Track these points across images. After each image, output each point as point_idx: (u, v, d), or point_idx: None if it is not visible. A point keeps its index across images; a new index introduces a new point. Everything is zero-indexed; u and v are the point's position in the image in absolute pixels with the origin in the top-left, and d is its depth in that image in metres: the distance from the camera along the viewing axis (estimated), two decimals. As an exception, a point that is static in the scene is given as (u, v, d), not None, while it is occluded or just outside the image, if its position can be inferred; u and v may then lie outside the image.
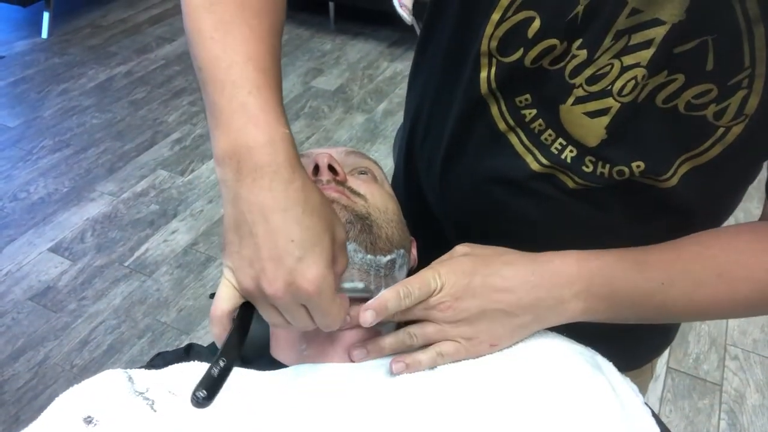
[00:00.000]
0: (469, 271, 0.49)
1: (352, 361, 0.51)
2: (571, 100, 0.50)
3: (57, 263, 1.88)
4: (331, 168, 0.58)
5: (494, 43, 0.50)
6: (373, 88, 2.80)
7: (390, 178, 0.77)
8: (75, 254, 1.91)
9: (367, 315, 0.47)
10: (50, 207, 2.09)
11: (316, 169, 0.58)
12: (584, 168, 0.52)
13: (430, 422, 0.45)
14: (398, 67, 2.95)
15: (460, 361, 0.50)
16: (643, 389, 0.80)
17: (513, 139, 0.55)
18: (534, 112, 0.53)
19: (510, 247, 0.54)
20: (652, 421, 0.48)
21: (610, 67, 0.47)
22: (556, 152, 0.53)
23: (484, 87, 0.53)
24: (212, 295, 0.48)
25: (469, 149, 0.58)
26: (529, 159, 0.55)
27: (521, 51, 0.49)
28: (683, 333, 1.72)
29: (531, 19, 0.48)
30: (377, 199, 0.58)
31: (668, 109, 0.47)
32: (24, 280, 1.82)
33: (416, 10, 2.89)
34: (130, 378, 0.48)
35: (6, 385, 1.53)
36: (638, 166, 0.50)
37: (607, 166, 0.51)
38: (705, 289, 0.49)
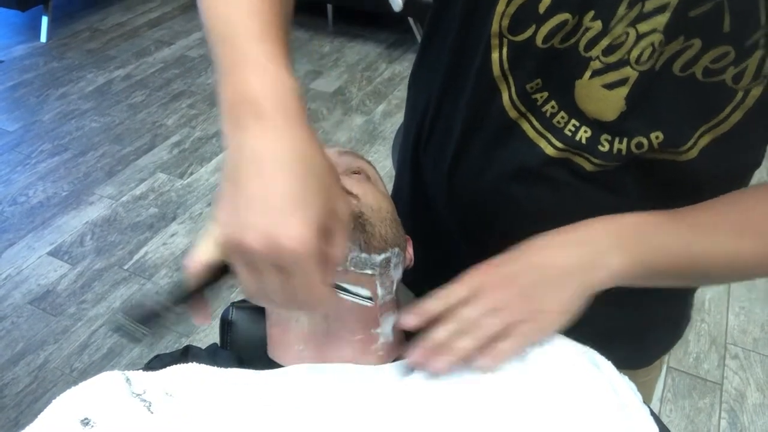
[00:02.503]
0: (502, 261, 0.50)
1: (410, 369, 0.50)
2: (588, 74, 0.49)
3: (56, 267, 1.88)
4: None
5: (506, 22, 0.50)
6: (372, 89, 2.80)
7: (388, 180, 0.78)
8: (74, 258, 1.91)
9: (410, 318, 0.48)
10: (49, 211, 2.09)
11: None
12: (600, 147, 0.52)
13: (430, 422, 0.45)
14: (397, 69, 2.95)
15: (540, 338, 0.50)
16: (651, 387, 0.80)
17: (525, 125, 0.54)
18: (546, 95, 0.52)
19: (517, 242, 0.53)
20: (651, 420, 0.48)
21: (625, 36, 0.46)
22: (570, 134, 0.52)
23: (496, 69, 0.52)
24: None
25: (480, 142, 0.57)
26: (543, 144, 0.54)
27: (533, 28, 0.49)
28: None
29: None
30: (370, 198, 0.58)
31: (686, 77, 0.47)
32: (23, 284, 1.82)
33: (411, 10, 2.90)
34: (127, 379, 0.47)
35: (6, 389, 1.53)
36: (657, 137, 0.50)
37: (625, 140, 0.51)
38: (742, 242, 0.49)
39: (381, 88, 2.81)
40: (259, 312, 0.60)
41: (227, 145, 0.41)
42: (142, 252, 1.94)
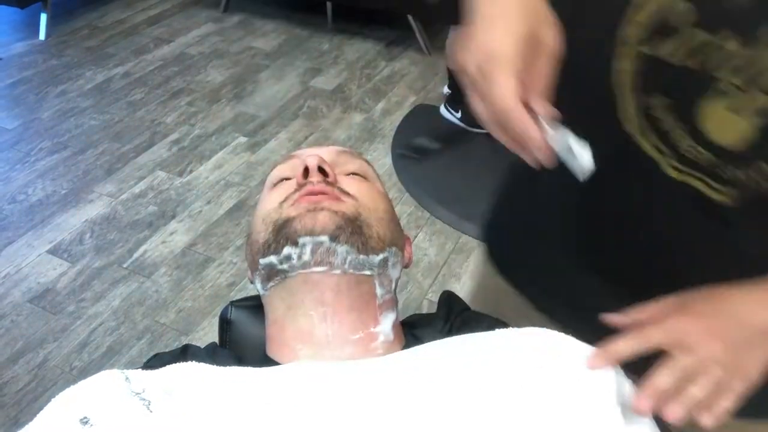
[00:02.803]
0: (701, 311, 0.48)
1: None
2: (713, 93, 0.45)
3: (56, 265, 1.88)
4: (321, 170, 0.59)
5: (638, 32, 0.47)
6: (371, 87, 2.80)
7: (387, 177, 0.77)
8: (74, 256, 1.91)
9: (596, 362, 0.48)
10: (49, 209, 2.09)
11: (306, 171, 0.59)
12: (719, 172, 0.48)
13: (427, 421, 0.45)
14: (396, 67, 2.95)
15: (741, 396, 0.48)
16: None
17: (642, 141, 0.51)
18: (667, 112, 0.48)
19: (629, 267, 0.54)
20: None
21: (761, 58, 0.42)
22: (687, 154, 0.49)
23: (617, 79, 0.50)
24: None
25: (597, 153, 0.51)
26: (661, 162, 0.50)
27: (668, 44, 0.46)
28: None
29: (682, 9, 0.44)
30: (367, 199, 0.58)
31: None
32: (23, 282, 1.82)
33: (411, 7, 2.90)
34: (126, 378, 0.47)
35: (5, 388, 1.53)
36: None
37: (745, 169, 0.46)
38: None
39: (380, 85, 2.80)
40: (259, 311, 0.60)
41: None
42: (141, 250, 1.94)
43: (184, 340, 1.65)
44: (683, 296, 0.50)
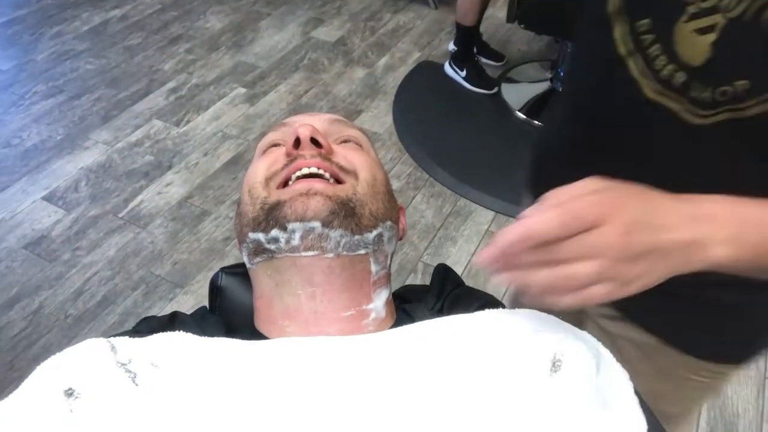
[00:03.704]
0: (632, 206, 0.44)
1: None
2: (684, 17, 0.51)
3: (51, 212, 1.87)
4: (314, 141, 0.55)
5: None
6: (375, 41, 2.73)
7: (388, 136, 0.76)
8: (69, 204, 1.90)
9: (500, 239, 0.41)
10: (44, 154, 2.06)
11: (297, 141, 0.55)
12: (692, 92, 0.54)
13: (423, 392, 0.45)
14: (401, 20, 2.87)
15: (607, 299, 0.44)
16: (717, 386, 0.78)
17: (631, 64, 0.57)
18: (651, 37, 0.55)
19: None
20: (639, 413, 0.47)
21: None
22: (666, 77, 0.55)
23: (612, 5, 0.56)
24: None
25: (595, 74, 0.62)
26: (644, 85, 0.56)
27: None
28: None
29: None
30: (366, 172, 0.56)
31: None
32: (18, 228, 1.82)
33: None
34: (113, 347, 0.47)
35: (1, 333, 1.55)
36: (743, 84, 0.50)
37: (710, 88, 0.52)
38: None
39: (384, 39, 2.73)
40: (249, 279, 0.59)
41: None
42: (137, 200, 1.93)
43: (179, 293, 1.66)
44: (613, 184, 0.46)
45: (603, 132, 0.64)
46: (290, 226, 0.52)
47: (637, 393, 0.50)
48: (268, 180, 0.56)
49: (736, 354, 0.72)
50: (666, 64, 0.54)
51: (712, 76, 0.52)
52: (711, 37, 0.50)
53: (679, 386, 0.76)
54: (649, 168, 0.52)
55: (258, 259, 0.55)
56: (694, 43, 0.52)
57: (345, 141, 0.60)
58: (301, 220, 0.51)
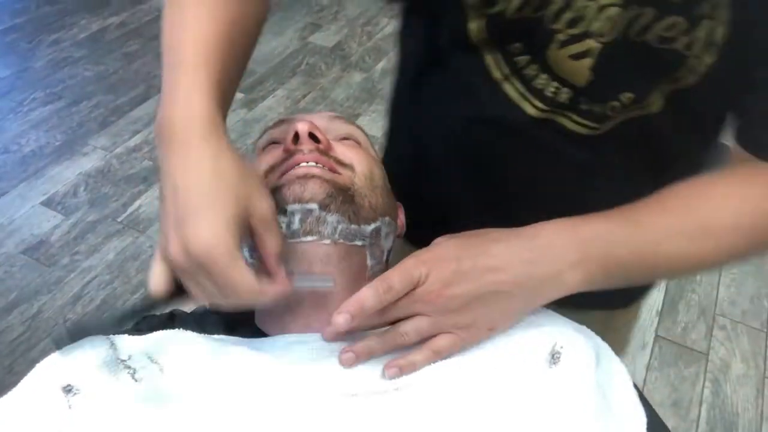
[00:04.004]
0: (455, 255, 0.45)
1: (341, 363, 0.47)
2: (555, 44, 0.51)
3: (49, 217, 1.87)
4: (312, 136, 0.56)
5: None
6: (372, 45, 2.74)
7: (385, 140, 0.76)
8: (68, 209, 1.90)
9: (340, 319, 0.44)
10: (42, 160, 2.07)
11: (296, 136, 0.55)
12: (581, 106, 0.54)
13: (405, 386, 0.45)
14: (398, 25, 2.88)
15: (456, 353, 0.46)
16: (629, 332, 0.84)
17: (508, 87, 0.55)
18: (527, 58, 0.53)
19: (509, 198, 0.56)
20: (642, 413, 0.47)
21: (586, 9, 0.48)
22: (552, 95, 0.54)
23: (476, 36, 0.54)
24: None
25: (468, 102, 0.59)
26: (526, 106, 0.55)
27: (504, 1, 0.50)
28: (673, 302, 1.73)
29: None
30: (364, 167, 0.57)
31: (641, 42, 0.48)
32: (16, 233, 1.82)
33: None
34: (112, 344, 0.47)
35: (0, 337, 1.54)
36: (628, 97, 0.52)
37: (598, 104, 0.53)
38: (694, 243, 0.49)
39: (381, 44, 2.75)
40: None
41: (160, 168, 0.45)
42: (135, 205, 1.93)
43: (178, 297, 1.66)
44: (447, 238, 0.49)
45: (484, 155, 0.62)
46: (289, 209, 0.52)
47: (635, 386, 0.50)
48: (267, 173, 0.57)
49: (619, 300, 0.75)
50: (547, 82, 0.53)
51: (598, 94, 0.52)
52: (588, 61, 0.50)
53: None
54: (539, 189, 0.58)
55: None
56: (573, 67, 0.51)
57: (344, 138, 0.60)
58: (299, 201, 0.52)
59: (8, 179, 1.99)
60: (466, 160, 0.64)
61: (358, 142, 0.61)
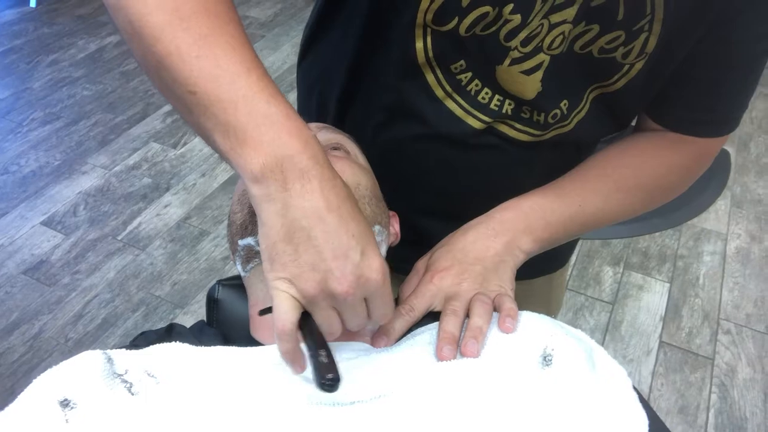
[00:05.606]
0: (442, 266, 0.58)
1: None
2: (507, 61, 0.55)
3: (50, 237, 1.87)
4: None
5: (429, 16, 0.53)
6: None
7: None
8: (68, 228, 1.90)
9: (381, 342, 0.52)
10: (42, 180, 2.07)
11: None
12: (522, 115, 0.60)
13: (400, 388, 0.44)
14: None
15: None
16: (563, 285, 0.95)
17: (451, 104, 0.59)
18: (469, 75, 0.57)
19: (462, 198, 0.64)
20: (639, 406, 0.47)
21: (540, 27, 0.53)
22: (496, 108, 0.59)
23: (421, 56, 0.56)
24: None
25: (407, 119, 0.62)
26: (470, 120, 0.60)
27: (456, 20, 0.52)
28: (677, 307, 1.72)
29: None
30: (348, 177, 0.56)
31: (584, 54, 0.55)
32: (17, 253, 1.82)
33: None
34: (109, 359, 0.47)
35: (1, 359, 1.54)
36: (565, 104, 0.59)
37: (543, 114, 0.59)
38: (610, 202, 0.63)
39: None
40: (245, 290, 0.59)
41: (272, 208, 0.41)
42: (135, 222, 1.93)
43: (179, 313, 1.65)
44: (428, 258, 0.61)
45: (435, 169, 0.66)
46: None
47: (635, 388, 0.49)
48: None
49: (555, 265, 0.84)
50: (491, 96, 0.58)
51: (543, 104, 0.58)
52: (539, 74, 0.56)
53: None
54: (491, 189, 0.63)
55: (251, 265, 0.55)
56: (524, 82, 0.56)
57: (334, 148, 0.60)
58: None
59: (8, 200, 1.99)
60: (419, 174, 0.67)
61: (347, 152, 0.61)
